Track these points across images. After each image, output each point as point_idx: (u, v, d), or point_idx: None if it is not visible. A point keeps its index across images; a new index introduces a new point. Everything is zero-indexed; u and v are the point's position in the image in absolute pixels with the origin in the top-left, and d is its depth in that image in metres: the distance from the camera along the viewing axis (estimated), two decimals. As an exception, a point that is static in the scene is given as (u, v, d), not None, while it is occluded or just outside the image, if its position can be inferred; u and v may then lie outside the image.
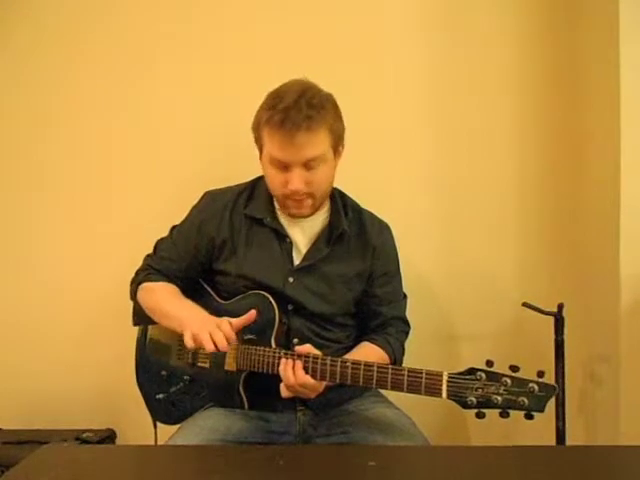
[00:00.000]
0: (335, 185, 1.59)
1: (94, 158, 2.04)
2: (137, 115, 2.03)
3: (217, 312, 1.52)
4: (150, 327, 1.66)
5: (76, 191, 2.06)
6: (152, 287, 1.60)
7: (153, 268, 1.63)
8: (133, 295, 1.64)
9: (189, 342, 1.38)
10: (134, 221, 2.01)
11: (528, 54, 1.94)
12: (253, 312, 1.40)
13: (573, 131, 1.93)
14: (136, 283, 1.64)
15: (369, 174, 1.93)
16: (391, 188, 1.97)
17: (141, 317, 1.62)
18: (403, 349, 1.64)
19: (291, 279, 1.54)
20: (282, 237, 1.55)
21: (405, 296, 1.68)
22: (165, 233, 1.68)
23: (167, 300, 1.55)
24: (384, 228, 1.65)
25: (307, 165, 1.44)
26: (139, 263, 1.67)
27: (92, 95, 2.03)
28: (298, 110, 1.39)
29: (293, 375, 1.36)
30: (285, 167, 1.45)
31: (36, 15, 2.03)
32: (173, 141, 2.01)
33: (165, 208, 1.67)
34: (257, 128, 1.48)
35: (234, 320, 1.40)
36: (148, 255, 1.68)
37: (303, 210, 1.52)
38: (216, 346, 1.35)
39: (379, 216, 1.66)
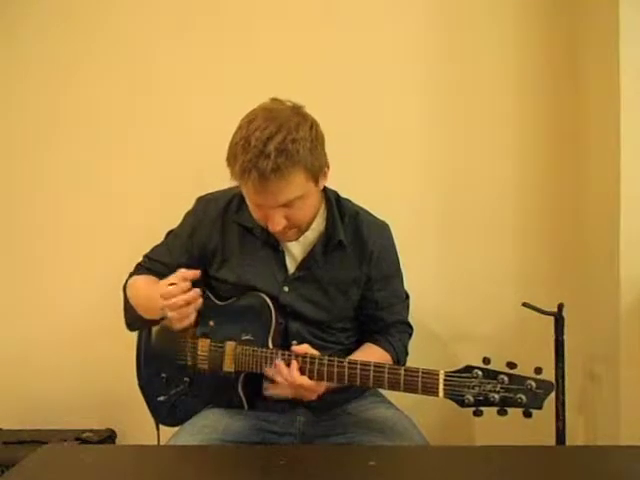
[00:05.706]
0: (334, 186, 1.56)
1: (94, 161, 2.05)
2: (138, 116, 2.03)
3: (214, 312, 1.53)
4: (149, 330, 1.64)
5: (78, 191, 2.06)
6: (134, 280, 1.59)
7: (143, 267, 1.62)
8: (124, 299, 1.61)
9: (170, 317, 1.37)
10: (134, 222, 2.02)
11: (528, 54, 1.94)
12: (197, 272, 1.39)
13: (573, 131, 1.93)
14: (125, 285, 1.61)
15: (368, 174, 1.93)
16: (390, 188, 1.97)
17: (131, 319, 1.60)
18: (406, 351, 1.61)
19: (286, 288, 1.51)
20: (274, 246, 1.52)
21: (407, 296, 1.65)
22: (164, 234, 1.67)
23: (145, 287, 1.53)
24: (382, 229, 1.59)
25: (286, 205, 1.37)
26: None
27: (92, 97, 2.03)
28: (266, 158, 1.29)
29: (289, 375, 1.36)
30: (263, 206, 1.40)
31: (39, 16, 2.03)
32: (174, 142, 2.01)
33: (165, 210, 1.66)
34: (229, 167, 1.37)
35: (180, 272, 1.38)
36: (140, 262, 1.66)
37: (289, 238, 1.48)
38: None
39: (378, 216, 1.61)
